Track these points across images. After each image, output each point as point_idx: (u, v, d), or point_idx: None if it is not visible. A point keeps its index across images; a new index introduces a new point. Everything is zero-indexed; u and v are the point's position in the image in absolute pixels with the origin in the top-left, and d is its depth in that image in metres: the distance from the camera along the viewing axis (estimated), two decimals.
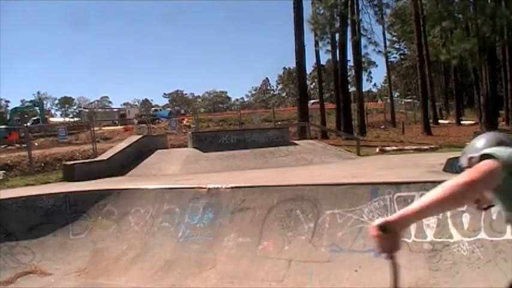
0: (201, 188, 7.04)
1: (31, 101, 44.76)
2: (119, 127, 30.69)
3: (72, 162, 12.31)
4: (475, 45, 21.22)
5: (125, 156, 12.16)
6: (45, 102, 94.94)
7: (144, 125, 28.33)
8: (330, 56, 26.10)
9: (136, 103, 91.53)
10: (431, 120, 30.63)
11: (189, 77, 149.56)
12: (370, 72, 67.97)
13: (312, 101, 40.55)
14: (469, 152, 1.99)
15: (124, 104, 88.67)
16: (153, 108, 57.47)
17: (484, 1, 20.98)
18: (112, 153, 12.29)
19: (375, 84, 79.65)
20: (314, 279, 5.16)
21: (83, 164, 11.91)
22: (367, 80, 68.11)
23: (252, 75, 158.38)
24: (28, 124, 29.71)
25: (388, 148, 16.88)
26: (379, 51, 28.20)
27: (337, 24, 23.75)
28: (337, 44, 24.58)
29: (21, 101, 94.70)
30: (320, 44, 24.27)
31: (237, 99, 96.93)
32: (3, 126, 30.58)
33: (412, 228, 5.20)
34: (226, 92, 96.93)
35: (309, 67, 46.10)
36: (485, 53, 22.45)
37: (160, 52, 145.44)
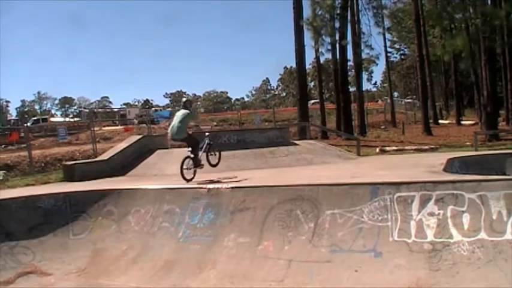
0: (201, 188, 7.04)
1: None
2: (119, 127, 30.67)
3: (72, 162, 12.29)
4: (466, 44, 21.20)
5: (125, 156, 12.15)
6: (45, 102, 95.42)
7: (144, 125, 28.32)
8: (330, 56, 26.02)
9: (137, 103, 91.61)
10: (431, 120, 30.65)
11: (190, 77, 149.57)
12: (371, 72, 68.22)
13: (312, 101, 40.60)
14: None
15: (124, 104, 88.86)
16: (153, 109, 57.40)
17: (483, 1, 20.92)
18: (112, 153, 12.28)
19: (375, 83, 79.63)
20: (314, 279, 5.17)
21: (83, 164, 11.89)
22: (367, 79, 68.39)
23: (253, 75, 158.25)
24: (28, 124, 29.72)
25: (388, 148, 16.87)
26: (377, 55, 28.32)
27: (337, 25, 23.73)
28: (337, 44, 24.55)
29: (21, 101, 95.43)
30: (318, 45, 24.20)
31: (238, 99, 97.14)
32: None
33: (413, 228, 5.21)
34: (226, 92, 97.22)
35: (309, 65, 46.22)
36: (485, 54, 22.42)
37: (161, 52, 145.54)
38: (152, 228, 6.89)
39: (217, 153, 9.44)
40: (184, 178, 8.31)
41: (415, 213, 5.28)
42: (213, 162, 9.29)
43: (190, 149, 8.71)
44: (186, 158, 8.57)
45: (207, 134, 9.55)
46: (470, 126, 28.59)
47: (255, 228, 6.08)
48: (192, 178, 8.47)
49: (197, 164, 8.70)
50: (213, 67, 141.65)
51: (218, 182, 8.03)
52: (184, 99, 9.57)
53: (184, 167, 8.43)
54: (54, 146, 19.37)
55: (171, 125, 8.81)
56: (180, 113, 8.78)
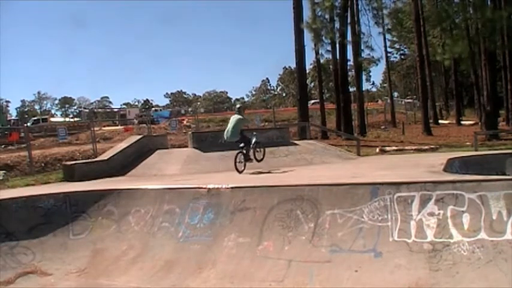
0: (201, 188, 7.04)
1: None
2: (119, 127, 30.67)
3: (72, 162, 12.30)
4: (466, 49, 21.23)
5: (125, 156, 12.15)
6: (45, 102, 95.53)
7: (144, 125, 28.32)
8: (330, 56, 26.01)
9: (137, 103, 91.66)
10: (431, 121, 30.66)
11: (190, 77, 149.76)
12: (369, 72, 68.11)
13: (312, 101, 40.60)
14: None
15: (124, 104, 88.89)
16: (153, 109, 57.43)
17: (483, 2, 20.87)
18: (112, 153, 12.28)
19: (373, 83, 79.50)
20: (314, 279, 5.16)
21: (83, 164, 11.90)
22: (366, 80, 68.27)
23: (253, 75, 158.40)
24: (28, 124, 29.72)
25: (388, 148, 16.88)
26: (378, 58, 28.44)
27: (337, 25, 23.73)
28: (337, 45, 24.54)
29: (21, 101, 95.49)
30: (318, 47, 24.19)
31: (238, 99, 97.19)
32: None
33: (413, 228, 5.21)
34: (226, 92, 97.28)
35: (309, 65, 46.23)
36: (485, 54, 22.39)
37: (161, 52, 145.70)
38: (152, 228, 6.89)
39: (262, 150, 10.75)
40: (237, 170, 9.85)
41: (415, 213, 5.28)
42: (259, 157, 10.62)
43: (242, 144, 10.13)
44: (239, 153, 10.04)
45: (254, 133, 10.85)
46: (470, 126, 28.59)
47: (255, 228, 6.07)
48: (243, 170, 9.95)
49: (247, 158, 10.17)
50: (213, 67, 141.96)
51: (269, 172, 9.73)
52: (238, 105, 11.40)
53: (237, 160, 9.93)
54: (54, 146, 19.38)
55: (226, 129, 10.36)
56: (234, 119, 10.25)
